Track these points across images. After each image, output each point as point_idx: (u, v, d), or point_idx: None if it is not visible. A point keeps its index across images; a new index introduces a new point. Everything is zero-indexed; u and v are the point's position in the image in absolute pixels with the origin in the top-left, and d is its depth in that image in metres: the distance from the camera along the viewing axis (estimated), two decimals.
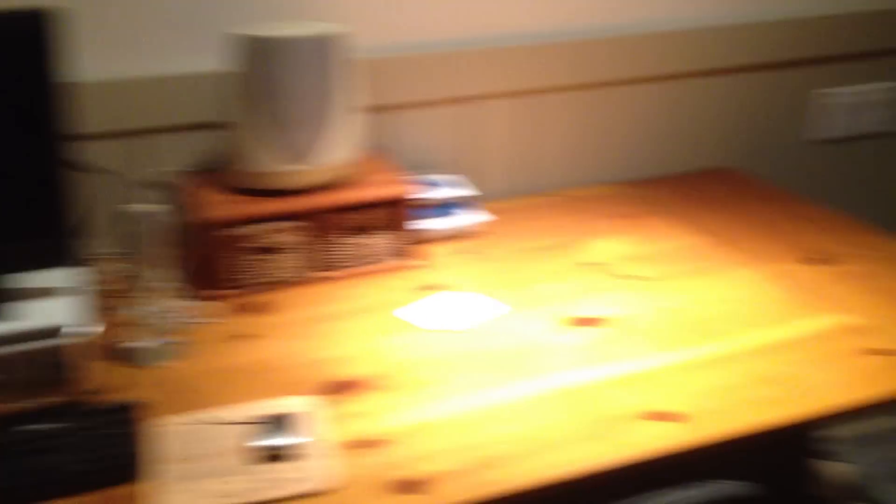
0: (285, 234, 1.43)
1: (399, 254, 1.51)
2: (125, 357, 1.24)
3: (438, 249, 1.55)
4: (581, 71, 1.74)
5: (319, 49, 1.41)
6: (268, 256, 1.43)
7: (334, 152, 1.47)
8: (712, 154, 1.90)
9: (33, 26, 1.11)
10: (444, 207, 1.59)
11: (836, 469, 1.90)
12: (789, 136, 1.94)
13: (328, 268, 1.48)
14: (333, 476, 1.00)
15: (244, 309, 1.38)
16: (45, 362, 1.10)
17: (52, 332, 1.10)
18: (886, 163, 2.03)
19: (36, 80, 1.11)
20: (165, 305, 1.34)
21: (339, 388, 1.18)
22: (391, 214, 1.49)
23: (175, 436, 1.07)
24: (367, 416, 1.12)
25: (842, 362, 1.17)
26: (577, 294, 1.38)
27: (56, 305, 1.16)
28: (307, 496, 0.98)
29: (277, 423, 1.06)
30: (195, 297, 1.40)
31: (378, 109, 1.65)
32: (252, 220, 1.41)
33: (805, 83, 1.91)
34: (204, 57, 1.55)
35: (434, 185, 1.63)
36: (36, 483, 0.97)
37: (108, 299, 1.39)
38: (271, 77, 1.40)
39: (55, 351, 1.10)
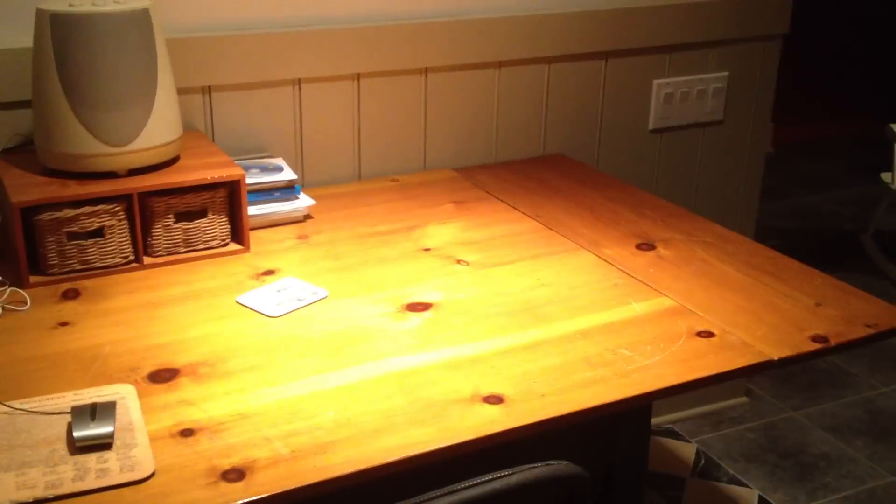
0: (107, 218, 1.37)
1: (225, 239, 1.47)
2: None
3: (268, 235, 1.52)
4: (406, 56, 1.74)
5: (126, 25, 1.35)
6: (90, 241, 1.36)
7: (152, 134, 1.41)
8: (547, 142, 1.95)
9: None
10: (268, 192, 1.56)
11: (678, 448, 2.00)
12: (625, 124, 2.01)
13: (152, 253, 1.42)
14: (153, 465, 0.96)
15: (65, 295, 1.31)
16: None
17: None
18: (713, 151, 2.14)
19: None
20: None
21: (161, 375, 1.13)
22: (218, 198, 1.45)
23: None
24: (188, 403, 1.08)
25: (667, 344, 1.22)
26: (406, 279, 1.39)
27: None
28: (127, 485, 0.94)
29: (97, 411, 1.01)
30: (12, 283, 1.32)
31: (196, 91, 1.60)
32: (69, 204, 1.34)
33: (641, 72, 1.98)
34: (19, 31, 1.46)
35: (259, 168, 1.59)
36: None
37: None
38: (80, 55, 1.33)
39: None
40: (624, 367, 1.17)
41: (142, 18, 1.36)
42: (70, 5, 1.34)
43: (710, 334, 1.24)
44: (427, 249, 1.48)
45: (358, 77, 1.72)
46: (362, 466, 0.98)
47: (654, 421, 2.25)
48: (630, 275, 1.41)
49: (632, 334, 1.24)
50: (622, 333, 1.25)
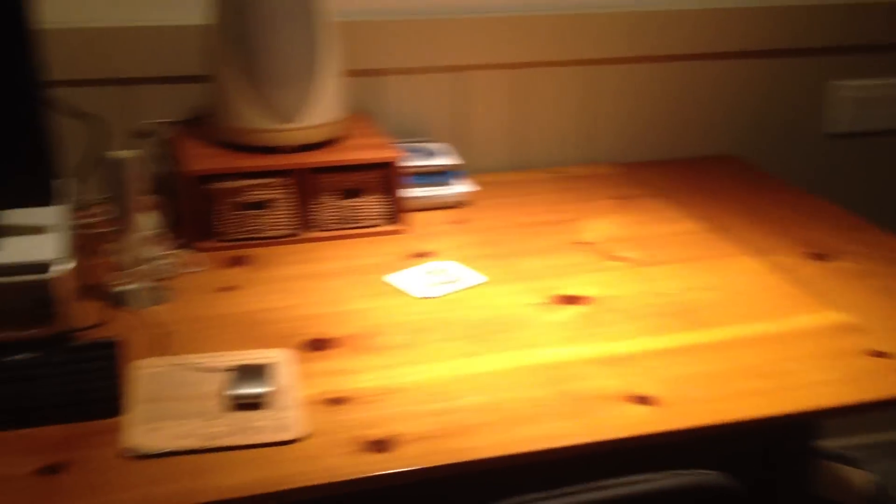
0: (272, 191, 1.41)
1: (385, 219, 1.49)
2: (109, 298, 1.23)
3: (425, 217, 1.53)
4: (576, 46, 1.71)
5: (302, 6, 1.39)
6: (255, 212, 1.41)
7: (320, 112, 1.45)
8: (716, 141, 1.87)
9: None
10: (430, 175, 1.57)
11: (851, 474, 1.89)
12: (799, 127, 1.90)
13: (315, 227, 1.46)
14: (302, 428, 0.99)
15: (229, 262, 1.37)
16: (32, 296, 1.09)
17: (40, 268, 1.09)
18: (893, 161, 2.00)
19: (12, 24, 1.10)
20: (150, 251, 1.33)
21: (316, 344, 1.16)
22: (379, 178, 1.47)
23: (153, 377, 1.06)
24: (340, 373, 1.10)
25: (835, 361, 1.14)
26: (562, 271, 1.36)
27: (43, 242, 1.15)
28: (275, 445, 0.96)
29: (252, 372, 1.05)
30: (181, 246, 1.38)
31: (365, 73, 1.63)
32: (238, 175, 1.39)
33: (818, 74, 1.87)
34: (195, 9, 1.53)
35: (420, 152, 1.61)
36: (17, 410, 0.98)
37: (95, 242, 1.38)
38: (253, 33, 1.38)
39: (42, 285, 1.09)
40: (788, 380, 1.10)
41: (318, 1, 1.40)
42: None
43: (885, 355, 1.16)
44: (584, 243, 1.46)
45: (520, 66, 1.71)
46: (506, 452, 0.97)
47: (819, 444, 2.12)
48: (799, 285, 1.33)
49: (798, 347, 1.17)
50: (787, 345, 1.18)
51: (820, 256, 1.42)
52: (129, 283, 1.26)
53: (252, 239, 1.42)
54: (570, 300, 1.28)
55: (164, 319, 1.20)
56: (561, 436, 1.00)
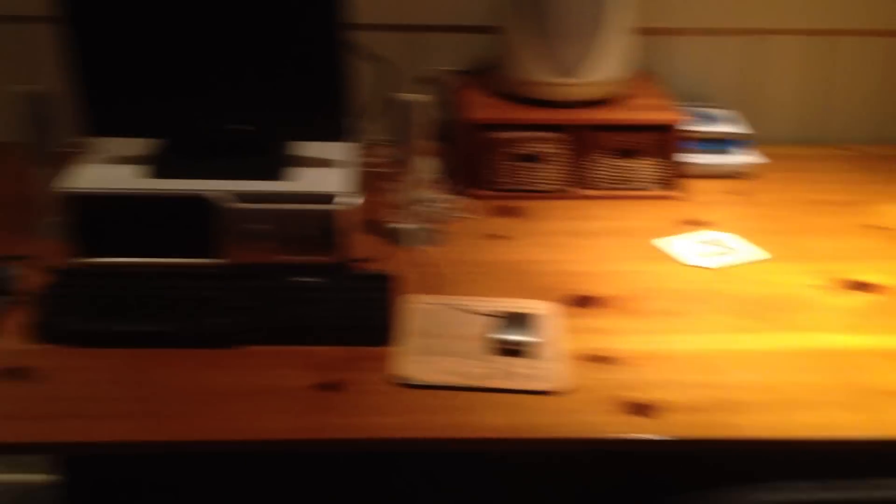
0: (547, 145, 1.40)
1: (662, 183, 1.44)
2: (386, 234, 1.28)
3: (704, 185, 1.46)
4: (885, 14, 1.55)
5: None
6: (529, 164, 1.41)
7: (604, 69, 1.41)
8: None
9: None
10: (715, 142, 1.49)
11: None
12: None
13: (587, 185, 1.44)
14: (564, 380, 0.98)
15: (500, 211, 1.38)
16: (316, 225, 1.15)
17: (326, 198, 1.15)
18: None
19: None
20: (427, 194, 1.37)
21: (582, 301, 1.15)
22: (658, 141, 1.42)
23: (423, 313, 1.09)
24: (604, 332, 1.08)
25: None
26: (853, 256, 1.25)
27: (330, 175, 1.21)
28: (536, 393, 0.96)
29: (517, 320, 1.05)
30: (455, 192, 1.41)
31: (652, 32, 1.57)
32: (516, 127, 1.40)
33: None
34: None
35: (706, 118, 1.53)
36: (300, 329, 1.04)
37: (376, 179, 1.44)
38: None
39: (326, 215, 1.15)
40: None
41: None
42: None
43: None
44: (878, 227, 1.33)
45: (819, 33, 1.58)
46: (780, 435, 0.91)
47: None
48: None
49: None
50: None
51: None
52: (405, 222, 1.30)
53: (523, 191, 1.42)
54: (860, 286, 1.18)
55: (435, 260, 1.23)
56: (843, 426, 0.93)
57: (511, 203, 1.41)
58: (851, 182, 1.47)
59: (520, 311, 1.08)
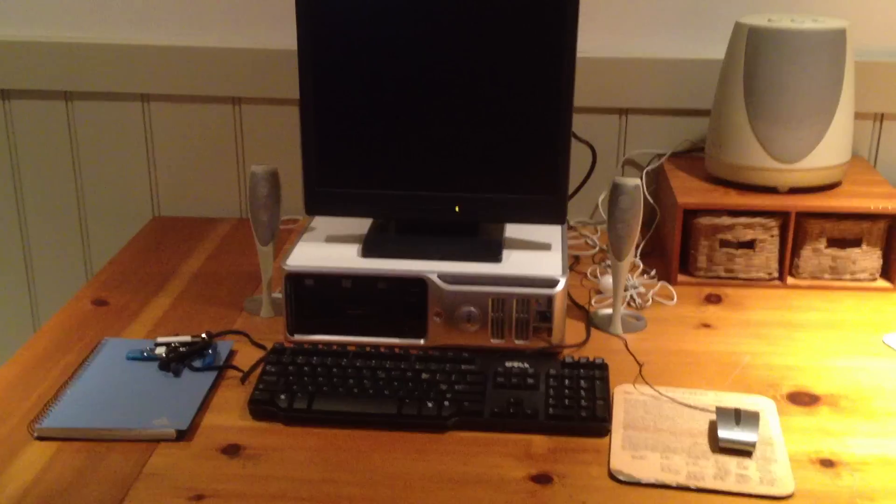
0: (758, 231, 1.36)
1: (877, 273, 1.37)
2: (592, 319, 1.27)
3: None
4: None
5: (822, 44, 1.32)
6: (737, 251, 1.37)
7: (824, 155, 1.36)
8: None
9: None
10: None
11: None
12: None
13: (796, 274, 1.38)
14: (791, 485, 0.93)
15: (707, 298, 1.35)
16: (534, 309, 1.16)
17: (547, 282, 1.16)
18: None
19: (555, 50, 1.17)
20: (632, 279, 1.35)
21: (797, 398, 1.09)
22: (876, 230, 1.35)
23: (634, 403, 1.07)
24: (829, 433, 1.02)
25: None
26: None
27: (544, 259, 1.22)
28: (765, 498, 0.92)
29: (739, 417, 1.01)
30: (661, 277, 1.39)
31: (867, 116, 1.50)
32: (729, 212, 1.36)
33: None
34: (707, 43, 1.53)
35: None
36: (513, 415, 1.04)
37: (577, 263, 1.44)
38: (773, 71, 1.33)
39: (545, 300, 1.16)
40: None
41: (837, 39, 1.33)
42: (769, 21, 1.35)
43: None
44: None
45: None
46: None
47: None
48: None
49: None
50: None
51: None
52: (609, 307, 1.29)
53: (728, 278, 1.38)
54: None
55: (640, 347, 1.21)
56: None
57: (718, 290, 1.37)
58: None
59: (739, 406, 1.04)
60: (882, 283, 1.37)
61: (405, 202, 1.24)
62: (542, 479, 0.96)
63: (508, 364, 1.11)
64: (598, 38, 1.53)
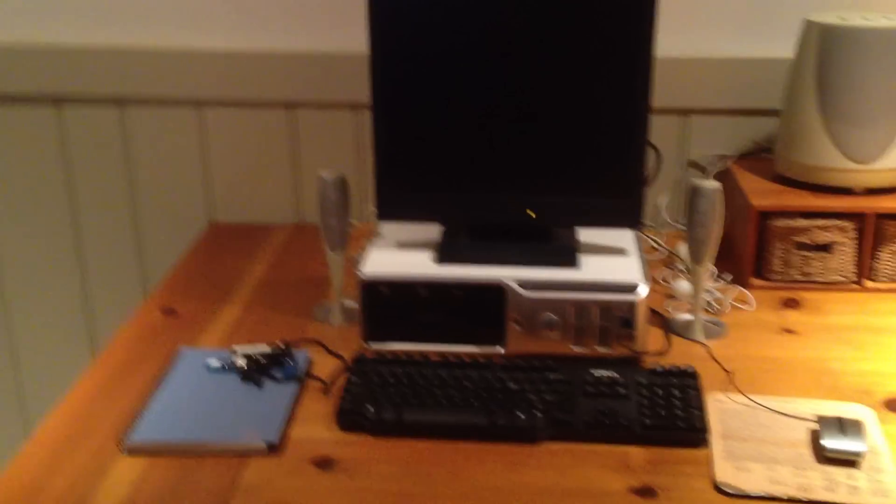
0: (835, 234, 1.33)
1: None
2: (670, 325, 1.24)
3: None
4: None
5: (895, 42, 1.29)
6: (813, 254, 1.34)
7: None
8: None
9: None
10: None
11: None
12: None
13: (875, 277, 1.35)
14: None
15: (781, 303, 1.32)
16: (616, 315, 1.13)
17: (628, 288, 1.13)
18: None
19: (633, 52, 1.15)
20: (709, 283, 1.32)
21: (891, 405, 1.06)
22: None
23: (729, 413, 1.05)
24: None
25: None
26: None
27: (623, 264, 1.19)
28: None
29: (842, 426, 0.98)
30: (732, 282, 1.36)
31: None
32: (803, 214, 1.33)
33: None
34: (771, 41, 1.50)
35: None
36: (605, 425, 1.01)
37: (653, 268, 1.41)
38: (847, 69, 1.31)
39: (627, 306, 1.13)
40: None
41: None
42: (841, 19, 1.33)
43: None
44: None
45: None
46: None
47: None
48: None
49: None
50: None
51: None
52: (688, 312, 1.26)
53: (805, 282, 1.36)
54: None
55: (724, 354, 1.18)
56: None
57: (794, 294, 1.34)
58: None
59: (842, 415, 1.01)
60: None
61: (479, 207, 1.22)
62: (646, 492, 0.93)
63: (595, 372, 1.09)
64: (659, 37, 1.51)
